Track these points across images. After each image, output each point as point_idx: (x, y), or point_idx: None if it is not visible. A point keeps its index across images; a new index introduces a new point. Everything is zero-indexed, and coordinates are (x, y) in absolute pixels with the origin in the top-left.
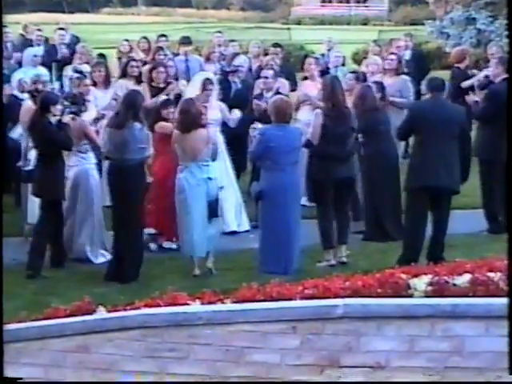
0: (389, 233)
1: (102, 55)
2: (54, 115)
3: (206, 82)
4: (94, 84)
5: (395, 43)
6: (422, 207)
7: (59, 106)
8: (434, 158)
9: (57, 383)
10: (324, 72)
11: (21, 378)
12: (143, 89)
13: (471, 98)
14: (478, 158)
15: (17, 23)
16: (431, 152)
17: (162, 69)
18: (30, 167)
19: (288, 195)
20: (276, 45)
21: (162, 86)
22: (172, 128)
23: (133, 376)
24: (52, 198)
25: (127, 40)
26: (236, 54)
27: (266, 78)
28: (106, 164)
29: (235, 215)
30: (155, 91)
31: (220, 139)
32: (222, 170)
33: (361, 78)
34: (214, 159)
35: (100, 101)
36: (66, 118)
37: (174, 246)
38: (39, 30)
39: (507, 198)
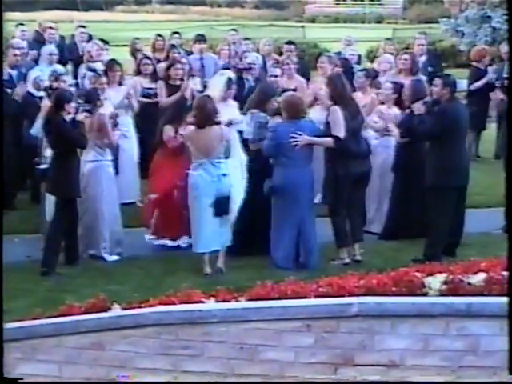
0: (414, 231)
1: (105, 42)
2: (69, 113)
3: (230, 82)
4: (107, 82)
5: (417, 42)
6: (451, 204)
7: (73, 104)
8: (463, 158)
9: (57, 383)
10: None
11: (21, 378)
12: (159, 87)
13: (497, 95)
14: (503, 157)
15: (32, 21)
16: (460, 152)
17: (179, 65)
18: (45, 165)
19: (301, 190)
20: (289, 42)
21: (178, 83)
22: (171, 134)
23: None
24: (66, 196)
25: (138, 38)
26: (247, 52)
27: (276, 76)
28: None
29: None
30: (172, 89)
31: (236, 137)
32: (236, 168)
33: (371, 74)
34: (226, 156)
35: (112, 99)
36: (80, 117)
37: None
38: (51, 28)
39: (507, 197)
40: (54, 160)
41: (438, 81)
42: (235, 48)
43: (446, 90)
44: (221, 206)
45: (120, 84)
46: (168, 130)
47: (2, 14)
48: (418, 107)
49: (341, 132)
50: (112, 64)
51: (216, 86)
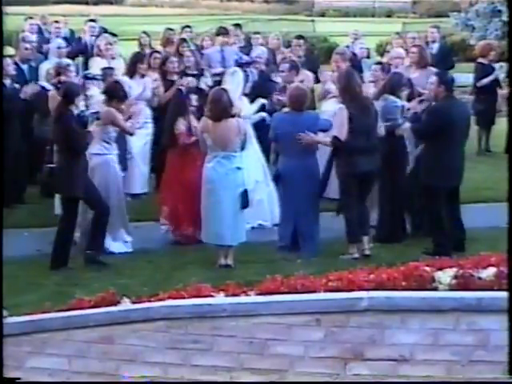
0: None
1: (113, 35)
2: (77, 106)
3: (245, 78)
4: (131, 75)
5: (421, 35)
6: (442, 204)
7: (82, 102)
8: (456, 158)
9: (57, 383)
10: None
11: (19, 378)
12: (156, 81)
13: (504, 92)
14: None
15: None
16: (453, 152)
17: (173, 59)
18: (52, 164)
19: (297, 180)
20: (299, 37)
21: (174, 78)
22: (183, 129)
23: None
24: (68, 195)
25: (145, 32)
26: (252, 46)
27: (283, 71)
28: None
29: (271, 209)
30: (170, 84)
31: (252, 133)
32: (256, 163)
33: (386, 69)
34: (242, 148)
35: (134, 91)
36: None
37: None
38: (57, 21)
39: (508, 195)
40: (60, 157)
41: (433, 78)
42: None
43: (442, 87)
44: (242, 199)
45: (142, 76)
46: (180, 125)
47: (2, 12)
48: (414, 106)
49: (341, 134)
50: (141, 56)
51: (231, 84)
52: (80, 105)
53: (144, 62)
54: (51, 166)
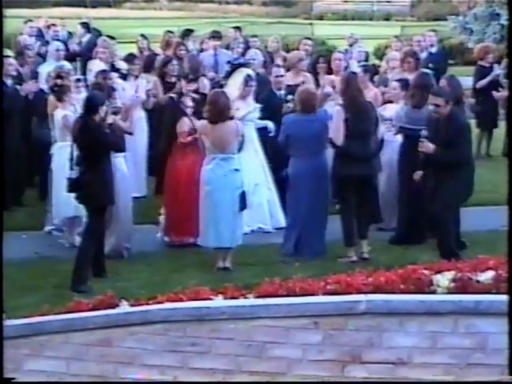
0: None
1: (112, 38)
2: (101, 117)
3: (248, 79)
4: (125, 77)
5: (415, 39)
6: None
7: (105, 107)
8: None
9: (56, 383)
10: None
11: (14, 378)
12: (154, 84)
13: (502, 94)
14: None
15: (38, 17)
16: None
17: (174, 62)
18: (74, 175)
19: (304, 181)
20: (307, 38)
21: (173, 80)
22: (188, 125)
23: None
24: (102, 204)
25: (143, 35)
26: (247, 48)
27: (282, 76)
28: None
29: (272, 213)
30: (168, 86)
31: (255, 135)
32: (257, 166)
33: (370, 70)
34: (239, 150)
35: (126, 92)
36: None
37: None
38: (54, 25)
39: (508, 198)
40: (89, 167)
41: (439, 100)
42: (233, 45)
43: (449, 104)
44: (240, 200)
45: (136, 78)
46: (183, 124)
47: (2, 13)
48: (427, 148)
49: (337, 138)
50: (132, 57)
51: (235, 84)
52: (102, 112)
53: (136, 64)
54: (74, 177)
